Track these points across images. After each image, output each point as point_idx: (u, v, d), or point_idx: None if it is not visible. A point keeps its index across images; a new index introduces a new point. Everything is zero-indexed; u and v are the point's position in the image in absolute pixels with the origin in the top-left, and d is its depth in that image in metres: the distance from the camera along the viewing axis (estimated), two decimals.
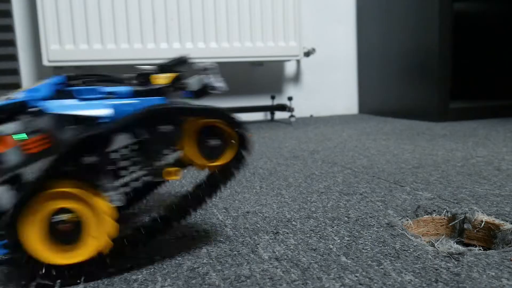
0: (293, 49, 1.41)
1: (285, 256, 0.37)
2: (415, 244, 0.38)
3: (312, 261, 0.36)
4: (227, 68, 1.53)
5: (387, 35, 1.47)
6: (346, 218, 0.46)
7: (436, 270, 0.33)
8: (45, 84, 0.36)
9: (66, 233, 0.32)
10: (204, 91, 0.39)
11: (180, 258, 0.37)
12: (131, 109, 0.35)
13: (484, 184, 0.57)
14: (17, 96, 0.35)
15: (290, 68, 1.60)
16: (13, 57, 1.35)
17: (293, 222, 0.45)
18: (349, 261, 0.35)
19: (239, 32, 1.36)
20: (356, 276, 0.33)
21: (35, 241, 0.32)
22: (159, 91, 0.38)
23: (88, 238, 0.33)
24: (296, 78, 1.61)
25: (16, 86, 1.35)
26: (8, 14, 1.32)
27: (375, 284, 0.31)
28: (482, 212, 0.45)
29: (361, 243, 0.39)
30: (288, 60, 1.51)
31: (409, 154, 0.80)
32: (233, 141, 0.37)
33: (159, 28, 1.30)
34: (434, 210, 0.47)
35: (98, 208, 0.33)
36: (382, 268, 0.34)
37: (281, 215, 0.47)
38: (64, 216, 0.32)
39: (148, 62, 1.30)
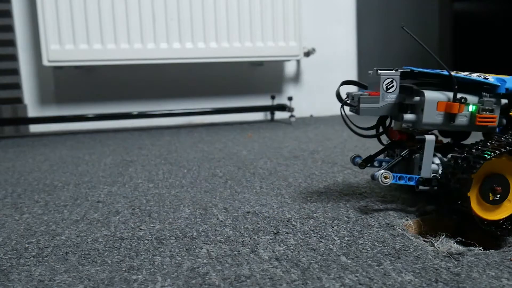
0: (293, 49, 1.41)
1: (285, 256, 0.37)
2: (415, 244, 0.38)
3: (312, 261, 0.36)
4: (227, 68, 1.53)
5: (387, 35, 1.47)
6: (346, 218, 0.46)
7: (436, 270, 0.33)
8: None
9: (496, 194, 0.42)
10: None
11: (180, 258, 0.37)
12: None
13: None
14: (490, 79, 0.45)
15: (290, 68, 1.60)
16: (13, 57, 1.35)
17: (293, 222, 0.45)
18: (349, 261, 0.35)
19: (239, 32, 1.36)
20: (356, 276, 0.33)
21: (474, 200, 0.42)
22: None
23: (507, 202, 0.42)
24: (296, 78, 1.61)
25: (16, 86, 1.35)
26: (8, 14, 1.32)
27: (375, 284, 0.31)
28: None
29: (361, 243, 0.39)
30: (288, 60, 1.51)
31: None
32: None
33: (159, 28, 1.30)
34: (434, 210, 0.47)
35: None
36: (382, 268, 0.34)
37: (281, 215, 0.47)
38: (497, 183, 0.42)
39: (149, 62, 1.30)
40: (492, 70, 1.56)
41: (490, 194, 0.42)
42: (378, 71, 0.46)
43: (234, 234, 0.42)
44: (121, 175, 0.70)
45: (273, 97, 1.50)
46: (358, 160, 0.51)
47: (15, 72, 1.35)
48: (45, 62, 1.23)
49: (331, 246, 0.39)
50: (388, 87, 0.46)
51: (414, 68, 0.48)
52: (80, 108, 1.44)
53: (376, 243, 0.39)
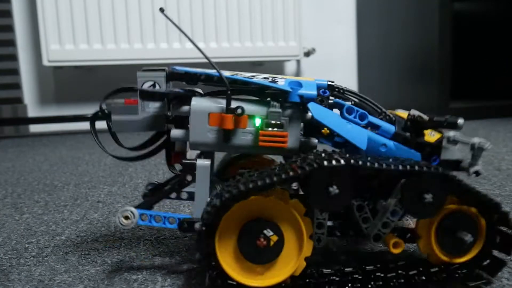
0: (293, 49, 1.41)
1: None
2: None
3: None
4: (227, 68, 1.53)
5: (387, 35, 1.47)
6: None
7: None
8: (311, 82, 0.34)
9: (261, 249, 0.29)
10: (457, 166, 0.34)
11: (180, 258, 0.37)
12: (384, 149, 0.33)
13: (484, 184, 0.57)
14: (280, 83, 0.34)
15: (290, 68, 1.60)
16: (13, 57, 1.35)
17: None
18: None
19: (239, 32, 1.36)
20: None
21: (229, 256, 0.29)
22: (421, 147, 0.34)
23: (284, 260, 0.30)
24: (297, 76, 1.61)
25: (16, 86, 1.35)
26: (8, 14, 1.32)
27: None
28: None
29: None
30: (288, 60, 1.51)
31: None
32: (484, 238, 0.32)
33: (159, 28, 1.30)
34: None
35: (305, 235, 0.30)
36: None
37: None
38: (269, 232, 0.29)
39: (149, 62, 1.30)
40: (492, 70, 1.55)
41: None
42: (138, 72, 0.36)
43: None
44: (121, 175, 0.70)
45: None
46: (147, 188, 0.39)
47: (15, 72, 1.35)
48: (45, 62, 1.23)
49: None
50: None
51: (184, 69, 0.36)
52: (80, 108, 1.44)
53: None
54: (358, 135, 0.33)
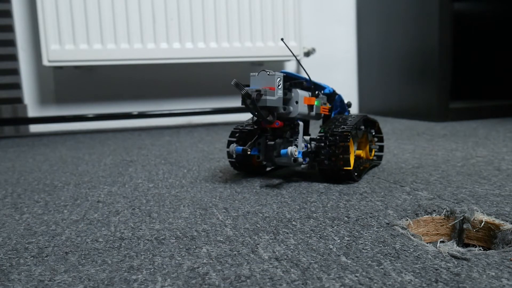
0: (293, 49, 1.41)
1: (285, 256, 0.37)
2: (415, 244, 0.38)
3: (312, 261, 0.36)
4: (227, 68, 1.53)
5: (387, 35, 1.47)
6: (346, 218, 0.46)
7: (436, 270, 0.33)
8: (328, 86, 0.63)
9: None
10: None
11: (180, 258, 0.37)
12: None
13: (484, 184, 0.57)
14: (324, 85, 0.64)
15: (290, 68, 1.60)
16: (13, 57, 1.35)
17: (293, 222, 0.45)
18: (349, 261, 0.35)
19: (239, 32, 1.36)
20: (356, 276, 0.33)
21: None
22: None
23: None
24: None
25: (16, 86, 1.35)
26: (8, 14, 1.32)
27: (375, 284, 0.31)
28: (482, 212, 0.45)
29: (361, 243, 0.39)
30: (288, 60, 1.51)
31: (409, 154, 0.80)
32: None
33: (159, 28, 1.30)
34: (434, 210, 0.47)
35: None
36: (382, 268, 0.34)
37: (281, 215, 0.47)
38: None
39: (149, 62, 1.30)
40: (492, 70, 1.57)
41: None
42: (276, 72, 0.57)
43: (234, 234, 0.42)
44: (121, 175, 0.70)
45: None
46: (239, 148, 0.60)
47: (15, 72, 1.35)
48: (45, 62, 1.23)
49: (331, 246, 0.39)
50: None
51: (290, 74, 0.60)
52: (80, 108, 1.44)
53: (376, 243, 0.39)
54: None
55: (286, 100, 0.58)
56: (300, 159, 0.58)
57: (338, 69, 1.66)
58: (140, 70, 1.47)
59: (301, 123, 0.59)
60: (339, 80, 1.66)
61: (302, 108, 0.58)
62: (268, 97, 0.55)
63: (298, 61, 0.60)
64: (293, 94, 0.58)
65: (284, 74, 0.58)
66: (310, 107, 0.60)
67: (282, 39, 0.55)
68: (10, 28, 1.33)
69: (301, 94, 0.58)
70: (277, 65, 1.57)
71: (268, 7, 1.38)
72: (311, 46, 1.60)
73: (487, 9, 1.64)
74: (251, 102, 0.55)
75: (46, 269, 0.36)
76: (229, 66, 1.53)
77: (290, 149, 0.55)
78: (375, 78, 1.56)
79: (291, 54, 1.40)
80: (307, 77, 0.61)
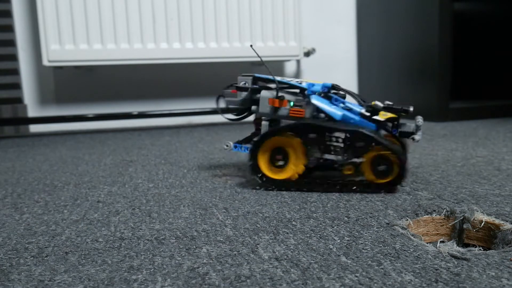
0: (293, 49, 1.41)
1: (285, 256, 0.37)
2: (415, 244, 0.38)
3: (312, 261, 0.36)
4: (227, 68, 1.53)
5: (387, 35, 1.47)
6: (346, 218, 0.46)
7: (436, 270, 0.33)
8: (320, 84, 0.58)
9: (279, 161, 0.58)
10: (409, 135, 0.57)
11: (180, 258, 0.37)
12: (352, 121, 0.56)
13: (484, 184, 0.57)
14: (303, 83, 0.59)
15: (290, 68, 1.60)
16: (13, 57, 1.35)
17: (293, 222, 0.45)
18: (349, 261, 0.35)
19: (239, 32, 1.36)
20: (356, 276, 0.33)
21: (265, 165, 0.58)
22: (375, 121, 0.56)
23: (290, 165, 0.57)
24: (296, 78, 1.61)
25: (16, 86, 1.35)
26: (8, 14, 1.32)
27: (375, 284, 0.31)
28: (482, 212, 0.45)
29: (361, 243, 0.39)
30: (288, 60, 1.51)
31: (409, 154, 0.80)
32: (395, 167, 0.55)
33: (159, 28, 1.30)
34: (434, 210, 0.47)
35: (299, 152, 0.57)
36: (382, 268, 0.34)
37: (281, 215, 0.47)
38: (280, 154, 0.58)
39: (149, 62, 1.30)
40: (492, 70, 1.56)
41: (275, 162, 0.58)
42: (239, 76, 0.63)
43: (234, 234, 0.42)
44: (121, 175, 0.70)
45: None
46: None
47: (15, 72, 1.35)
48: (45, 62, 1.23)
49: (331, 246, 0.39)
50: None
51: (260, 76, 0.63)
52: (80, 108, 1.44)
53: (376, 243, 0.39)
54: (335, 112, 0.57)
55: (252, 101, 0.62)
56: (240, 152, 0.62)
57: (338, 69, 1.66)
58: (140, 70, 1.47)
59: (264, 123, 0.62)
60: (339, 80, 1.66)
61: (265, 109, 0.60)
62: (231, 99, 0.63)
63: (266, 66, 0.64)
64: (259, 95, 0.61)
65: (254, 76, 0.63)
66: (274, 108, 0.60)
67: (251, 46, 0.63)
68: (10, 28, 1.33)
69: (266, 96, 0.60)
70: (277, 65, 1.57)
71: (268, 7, 1.38)
72: (311, 46, 1.60)
73: (487, 9, 1.64)
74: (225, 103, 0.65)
75: (46, 269, 0.36)
76: (229, 66, 1.53)
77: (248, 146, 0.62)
78: (375, 78, 1.56)
79: (296, 54, 1.40)
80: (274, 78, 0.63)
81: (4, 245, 0.42)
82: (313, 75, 1.62)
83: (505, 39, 1.58)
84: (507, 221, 0.43)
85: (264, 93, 0.60)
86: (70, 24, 1.23)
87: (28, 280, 0.34)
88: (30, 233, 0.45)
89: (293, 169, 0.57)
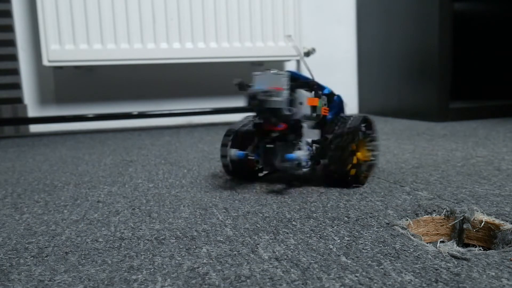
0: (293, 49, 1.41)
1: (285, 256, 0.37)
2: (415, 244, 0.38)
3: (312, 261, 0.36)
4: (227, 68, 1.53)
5: (387, 35, 1.47)
6: (346, 218, 0.46)
7: (436, 270, 0.33)
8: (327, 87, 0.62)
9: None
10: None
11: (180, 258, 0.37)
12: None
13: (484, 184, 0.57)
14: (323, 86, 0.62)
15: (290, 68, 1.60)
16: (13, 57, 1.35)
17: (293, 222, 0.45)
18: (349, 261, 0.35)
19: (239, 32, 1.36)
20: (356, 276, 0.33)
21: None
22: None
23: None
24: None
25: (16, 86, 1.35)
26: (8, 14, 1.32)
27: (375, 284, 0.31)
28: (482, 212, 0.45)
29: (361, 243, 0.39)
30: (288, 60, 1.51)
31: (409, 154, 0.80)
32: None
33: (159, 28, 1.30)
34: (434, 210, 0.47)
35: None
36: (382, 268, 0.34)
37: (281, 215, 0.47)
38: None
39: (149, 62, 1.30)
40: (492, 70, 1.56)
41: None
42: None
43: (234, 234, 0.42)
44: (121, 175, 0.70)
45: None
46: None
47: (15, 72, 1.35)
48: (45, 62, 1.23)
49: (331, 246, 0.39)
50: None
51: (298, 74, 0.59)
52: (80, 108, 1.44)
53: (376, 243, 0.39)
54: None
55: (290, 101, 0.55)
56: (304, 164, 0.56)
57: (338, 69, 1.66)
58: (140, 70, 1.47)
59: (304, 125, 0.57)
60: (339, 80, 1.66)
61: (306, 110, 0.56)
62: (276, 99, 0.53)
63: (305, 62, 0.62)
64: (296, 95, 0.55)
65: (289, 74, 0.57)
66: (313, 108, 0.57)
67: (289, 36, 0.58)
68: (10, 28, 1.33)
69: (305, 95, 0.56)
70: (277, 65, 1.57)
71: (268, 7, 1.38)
72: (311, 46, 1.60)
73: (487, 9, 1.64)
74: (258, 103, 0.53)
75: (46, 269, 0.36)
76: (229, 66, 1.53)
77: (300, 153, 0.54)
78: (375, 78, 1.56)
79: (295, 54, 1.40)
80: (310, 77, 0.60)
81: (4, 245, 0.42)
82: (313, 75, 1.62)
83: (505, 39, 1.58)
84: (507, 221, 0.43)
85: (305, 93, 0.56)
86: (70, 24, 1.23)
87: (28, 280, 0.34)
88: (30, 233, 0.45)
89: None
